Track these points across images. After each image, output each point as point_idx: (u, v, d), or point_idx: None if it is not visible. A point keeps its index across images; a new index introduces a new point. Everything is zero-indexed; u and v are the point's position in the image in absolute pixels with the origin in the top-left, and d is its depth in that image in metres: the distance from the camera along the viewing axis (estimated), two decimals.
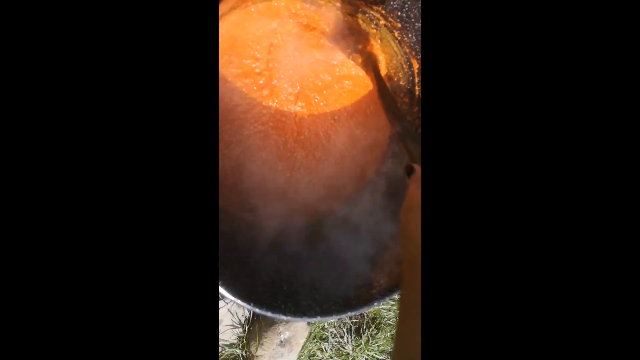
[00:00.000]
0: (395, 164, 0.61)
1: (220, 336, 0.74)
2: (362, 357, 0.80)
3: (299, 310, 0.48)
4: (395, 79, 0.61)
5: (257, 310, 0.45)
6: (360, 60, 0.58)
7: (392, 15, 0.55)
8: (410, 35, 0.55)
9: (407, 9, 0.53)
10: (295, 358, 0.76)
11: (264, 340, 0.73)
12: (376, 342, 0.81)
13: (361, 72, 0.59)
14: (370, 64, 0.57)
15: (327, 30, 0.57)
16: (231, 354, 0.75)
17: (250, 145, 0.58)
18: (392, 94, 0.55)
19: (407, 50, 0.57)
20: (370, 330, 0.81)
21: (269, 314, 0.45)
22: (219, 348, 0.74)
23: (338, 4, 0.57)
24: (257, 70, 0.57)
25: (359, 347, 0.80)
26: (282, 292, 0.49)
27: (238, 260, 0.51)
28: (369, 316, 0.82)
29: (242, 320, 0.75)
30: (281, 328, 0.74)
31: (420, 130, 0.59)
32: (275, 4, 0.56)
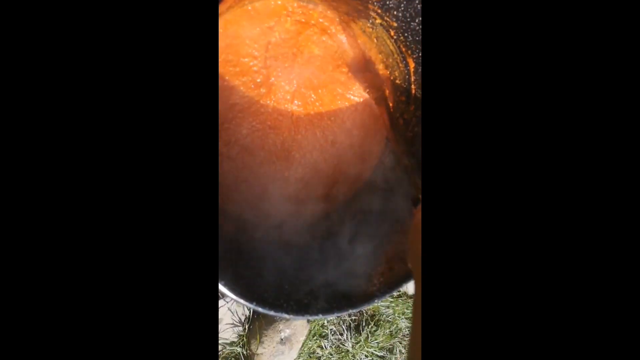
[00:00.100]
0: (391, 163, 0.61)
1: (220, 335, 0.74)
2: (361, 354, 0.81)
3: (300, 308, 0.48)
4: (392, 78, 0.61)
5: (260, 310, 0.45)
6: (374, 95, 0.60)
7: (388, 14, 0.55)
8: (406, 34, 0.56)
9: (403, 8, 0.53)
10: (296, 356, 0.77)
11: (265, 338, 0.73)
12: (375, 339, 0.81)
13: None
14: (383, 101, 0.60)
15: (349, 60, 0.60)
16: (232, 353, 0.75)
17: (248, 144, 0.59)
18: (399, 131, 0.59)
19: (404, 49, 0.58)
20: (370, 327, 0.81)
21: (272, 312, 0.46)
22: (220, 347, 0.74)
23: (334, 3, 0.57)
24: (254, 69, 0.57)
25: (359, 344, 0.80)
26: (284, 291, 0.49)
27: (239, 260, 0.51)
28: (368, 313, 0.83)
29: (243, 318, 0.76)
30: (281, 326, 0.74)
31: (416, 129, 0.60)
32: (272, 3, 0.56)
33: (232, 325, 0.75)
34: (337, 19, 0.59)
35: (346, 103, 0.61)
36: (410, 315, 0.83)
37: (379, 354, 0.81)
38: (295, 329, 0.76)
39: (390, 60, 0.60)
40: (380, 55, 0.61)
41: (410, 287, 0.79)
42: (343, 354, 0.80)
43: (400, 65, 0.59)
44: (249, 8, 0.56)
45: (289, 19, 0.57)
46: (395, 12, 0.54)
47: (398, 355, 0.82)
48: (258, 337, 0.73)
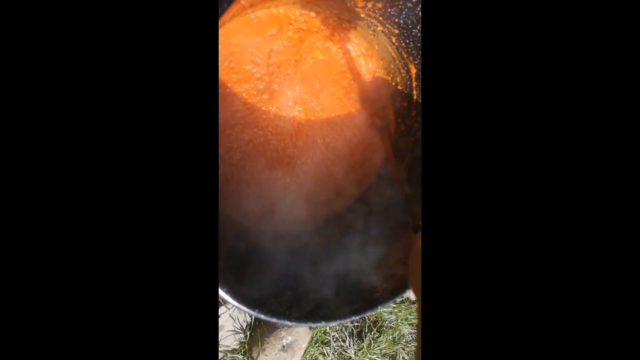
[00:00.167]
0: (390, 172, 0.61)
1: (222, 342, 0.74)
2: None
3: (303, 315, 0.48)
4: (393, 84, 0.62)
5: (263, 317, 0.45)
6: (379, 124, 0.61)
7: (389, 21, 0.55)
8: (407, 41, 0.56)
9: (404, 15, 0.54)
10: None
11: (266, 345, 0.73)
12: (378, 346, 0.81)
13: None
14: (386, 132, 0.61)
15: (359, 88, 0.62)
16: None
17: (250, 150, 0.59)
18: (400, 163, 0.60)
19: (405, 56, 0.58)
20: (372, 333, 0.81)
21: (274, 320, 0.45)
22: (221, 354, 0.74)
23: (336, 11, 0.58)
24: (257, 76, 0.58)
25: (361, 351, 0.80)
26: (286, 298, 0.49)
27: (241, 267, 0.51)
28: (371, 319, 0.82)
29: (244, 325, 0.75)
30: (283, 333, 0.74)
31: (418, 134, 0.60)
32: (275, 11, 0.57)
33: (234, 332, 0.75)
34: (340, 26, 0.59)
35: (348, 109, 0.61)
36: (413, 321, 0.83)
37: None
38: (297, 336, 0.75)
39: (392, 66, 0.60)
40: (381, 62, 0.61)
41: (412, 293, 0.78)
42: None
43: (402, 71, 0.60)
44: (252, 17, 0.56)
45: (291, 27, 0.58)
46: (396, 20, 0.55)
47: None
48: (260, 344, 0.73)
